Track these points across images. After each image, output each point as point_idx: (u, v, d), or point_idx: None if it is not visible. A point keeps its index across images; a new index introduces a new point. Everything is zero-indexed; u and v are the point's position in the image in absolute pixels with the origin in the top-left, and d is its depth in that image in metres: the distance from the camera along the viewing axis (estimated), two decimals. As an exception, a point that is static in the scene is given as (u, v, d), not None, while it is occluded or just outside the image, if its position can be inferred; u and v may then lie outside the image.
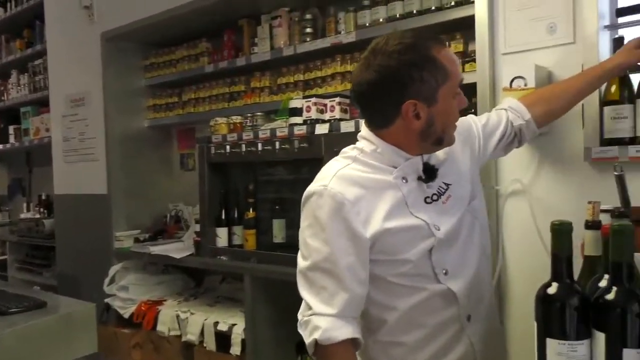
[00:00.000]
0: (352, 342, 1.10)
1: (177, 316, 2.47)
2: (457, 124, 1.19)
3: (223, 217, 2.34)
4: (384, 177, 1.14)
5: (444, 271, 1.15)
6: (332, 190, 1.10)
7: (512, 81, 1.51)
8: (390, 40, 1.10)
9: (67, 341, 1.81)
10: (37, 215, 3.82)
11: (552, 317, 0.87)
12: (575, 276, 0.94)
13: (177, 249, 2.59)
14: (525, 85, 1.49)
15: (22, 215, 3.97)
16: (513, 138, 1.34)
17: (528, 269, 1.56)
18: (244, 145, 2.18)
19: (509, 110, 1.34)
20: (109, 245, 2.85)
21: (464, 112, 1.28)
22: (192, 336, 2.38)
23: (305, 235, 1.14)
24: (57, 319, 1.82)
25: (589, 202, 1.08)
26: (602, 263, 0.95)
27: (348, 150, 1.20)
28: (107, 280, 2.75)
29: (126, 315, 2.66)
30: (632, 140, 1.39)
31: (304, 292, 1.13)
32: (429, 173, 1.15)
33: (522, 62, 1.54)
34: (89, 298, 2.79)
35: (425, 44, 1.09)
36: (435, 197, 1.16)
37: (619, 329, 0.82)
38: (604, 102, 1.43)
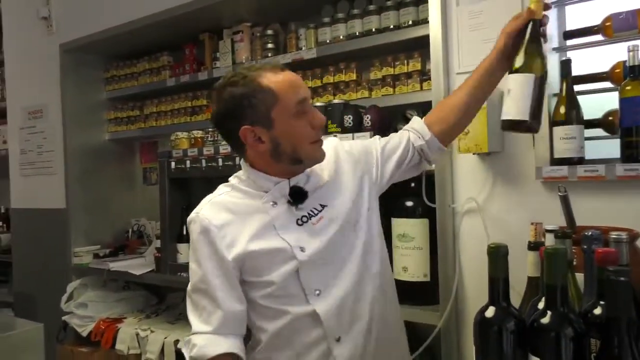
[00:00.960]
0: (231, 357, 1.15)
1: (137, 334, 2.40)
2: (358, 146, 1.30)
3: (184, 232, 2.30)
4: (254, 202, 1.20)
5: (316, 292, 1.18)
6: (201, 216, 1.19)
7: (465, 101, 1.53)
8: (228, 75, 1.20)
9: (12, 362, 1.75)
10: (-5, 229, 3.71)
11: (488, 341, 0.88)
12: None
13: (138, 265, 2.53)
14: (478, 104, 1.51)
15: (-21, 229, 3.85)
16: (420, 159, 1.34)
17: (484, 287, 1.56)
18: (204, 160, 2.15)
19: (411, 131, 1.33)
20: (67, 261, 2.77)
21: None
22: (151, 355, 2.31)
23: (189, 258, 1.23)
24: (2, 340, 1.75)
25: (532, 223, 1.10)
26: (542, 284, 0.97)
27: (231, 179, 1.28)
28: (64, 297, 2.66)
29: (84, 334, 2.58)
30: (580, 160, 1.42)
31: (189, 312, 1.21)
32: (297, 196, 1.19)
33: (474, 82, 1.57)
34: (45, 316, 2.72)
35: (255, 73, 1.16)
36: (305, 219, 1.20)
37: (553, 354, 0.82)
38: (553, 122, 1.47)
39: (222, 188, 1.26)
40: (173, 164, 2.26)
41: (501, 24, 1.53)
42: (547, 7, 1.17)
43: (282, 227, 1.18)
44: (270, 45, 2.22)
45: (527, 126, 1.14)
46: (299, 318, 1.17)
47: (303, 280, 1.17)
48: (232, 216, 1.19)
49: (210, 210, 1.19)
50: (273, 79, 1.15)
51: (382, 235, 1.32)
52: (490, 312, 0.88)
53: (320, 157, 1.21)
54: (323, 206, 1.22)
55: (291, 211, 1.20)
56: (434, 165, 1.65)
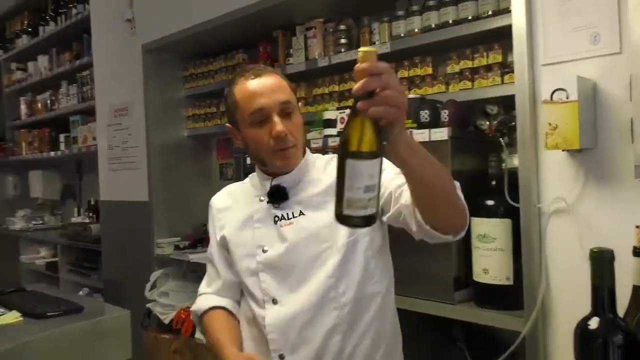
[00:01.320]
0: (223, 310, 1.29)
1: (215, 324, 2.50)
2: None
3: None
4: (254, 192, 1.29)
5: (273, 300, 1.17)
6: (212, 199, 1.37)
7: (552, 93, 1.44)
8: None
9: (100, 347, 1.85)
10: (87, 220, 3.99)
11: (592, 355, 0.82)
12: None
13: (215, 258, 2.62)
14: (567, 97, 1.42)
15: (73, 220, 4.15)
16: (401, 217, 1.06)
17: (575, 294, 1.45)
18: (278, 157, 2.18)
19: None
20: (151, 251, 2.93)
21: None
22: (228, 345, 2.40)
23: None
24: (91, 325, 1.86)
25: (637, 226, 1.02)
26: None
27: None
28: (148, 286, 2.81)
29: (166, 321, 2.71)
30: (688, 157, 1.29)
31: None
32: (275, 195, 1.23)
33: (563, 74, 1.47)
34: (132, 302, 2.89)
35: (237, 78, 1.24)
36: (277, 219, 1.22)
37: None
38: (655, 115, 1.34)
39: (246, 179, 1.38)
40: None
41: (592, 10, 1.43)
42: (363, 73, 0.76)
43: (259, 221, 1.24)
44: (343, 41, 2.20)
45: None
46: (257, 318, 1.21)
47: (262, 283, 1.20)
48: (233, 203, 1.31)
49: (220, 196, 1.36)
50: (240, 86, 1.21)
51: (377, 270, 1.20)
52: (594, 323, 0.82)
53: (282, 166, 1.21)
54: (301, 213, 1.20)
55: (270, 209, 1.24)
56: (516, 162, 1.57)
